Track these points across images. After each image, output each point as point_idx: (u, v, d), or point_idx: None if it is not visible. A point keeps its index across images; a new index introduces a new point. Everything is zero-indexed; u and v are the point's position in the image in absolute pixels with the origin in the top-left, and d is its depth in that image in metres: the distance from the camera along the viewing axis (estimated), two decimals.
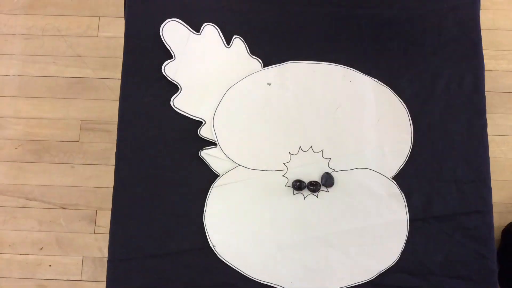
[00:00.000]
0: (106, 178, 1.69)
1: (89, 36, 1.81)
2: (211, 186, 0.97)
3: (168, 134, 0.99)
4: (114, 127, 1.68)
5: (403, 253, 0.95)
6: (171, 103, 0.99)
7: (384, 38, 1.03)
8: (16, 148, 1.73)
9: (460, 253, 0.95)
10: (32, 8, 1.83)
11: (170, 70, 0.99)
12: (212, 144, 0.98)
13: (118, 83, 1.70)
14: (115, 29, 1.81)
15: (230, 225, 0.96)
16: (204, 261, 0.95)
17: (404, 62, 1.02)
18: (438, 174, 0.98)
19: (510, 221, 1.52)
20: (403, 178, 0.97)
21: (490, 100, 1.64)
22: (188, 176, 0.97)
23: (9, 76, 1.77)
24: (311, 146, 0.98)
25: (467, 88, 1.01)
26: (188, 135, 0.99)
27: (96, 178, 1.70)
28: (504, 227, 1.52)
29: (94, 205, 1.68)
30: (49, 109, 1.75)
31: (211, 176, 0.97)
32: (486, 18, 1.73)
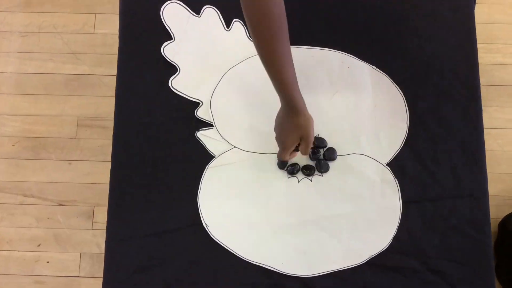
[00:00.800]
0: (103, 174, 1.68)
1: (85, 33, 1.81)
2: (206, 167, 0.97)
3: (165, 115, 1.00)
4: (111, 123, 1.68)
5: (400, 234, 0.95)
6: (169, 84, 0.99)
7: (380, 24, 1.04)
8: (13, 145, 1.73)
9: (455, 237, 0.96)
10: (28, 6, 1.84)
11: (169, 51, 1.00)
12: (209, 125, 0.99)
13: (114, 80, 1.71)
14: (111, 26, 1.82)
15: (224, 205, 0.97)
16: (197, 240, 0.96)
17: (399, 47, 1.03)
18: (433, 158, 0.98)
19: (507, 214, 1.52)
20: (399, 161, 0.98)
21: (486, 93, 1.65)
22: (184, 156, 0.98)
23: (6, 73, 1.78)
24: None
25: (461, 74, 1.02)
26: (185, 116, 0.99)
27: (93, 174, 1.70)
28: (500, 220, 1.52)
29: (91, 201, 1.68)
30: (46, 106, 1.75)
31: (207, 157, 0.98)
32: (481, 12, 1.74)
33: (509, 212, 1.51)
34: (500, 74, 1.71)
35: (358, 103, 1.00)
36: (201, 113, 0.99)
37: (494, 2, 1.76)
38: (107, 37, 1.81)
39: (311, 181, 0.97)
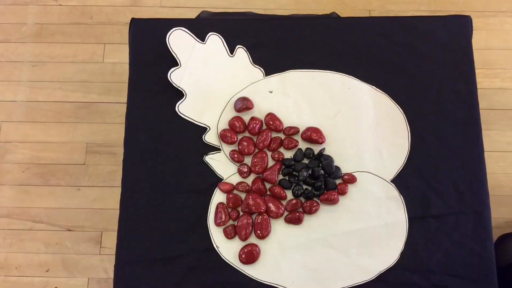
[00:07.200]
0: (111, 200, 1.72)
1: (94, 63, 1.86)
2: (215, 190, 1.00)
3: (174, 140, 1.02)
4: (119, 150, 1.71)
5: (404, 250, 0.97)
6: (176, 109, 1.02)
7: (379, 45, 1.07)
8: (23, 171, 1.76)
9: (459, 252, 0.97)
10: (39, 37, 1.90)
11: (175, 77, 1.02)
12: (217, 149, 1.01)
13: (122, 107, 1.76)
14: (120, 56, 1.87)
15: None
16: (208, 262, 0.97)
17: (398, 68, 1.06)
18: (435, 175, 1.00)
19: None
20: (402, 178, 1.00)
21: (486, 117, 1.69)
22: (193, 179, 1.01)
23: (17, 102, 1.82)
24: (313, 151, 1.01)
25: (460, 93, 1.04)
26: (193, 140, 1.02)
27: (101, 200, 1.72)
28: None
29: (99, 226, 1.71)
30: (55, 133, 1.79)
31: (215, 179, 1.00)
32: (479, 38, 1.79)
33: None
34: (499, 98, 1.75)
35: (360, 122, 1.03)
36: (208, 138, 1.02)
37: (492, 28, 1.81)
38: (115, 66, 1.86)
39: (319, 201, 0.99)
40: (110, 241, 1.69)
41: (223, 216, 0.97)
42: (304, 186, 1.00)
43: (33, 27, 1.91)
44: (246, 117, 1.02)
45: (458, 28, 1.08)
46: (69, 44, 1.89)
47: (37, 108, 1.81)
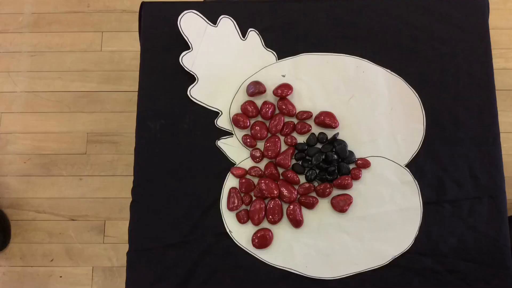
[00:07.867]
0: (113, 188, 1.71)
1: (93, 51, 1.84)
2: (227, 174, 0.99)
3: (185, 124, 1.01)
4: (120, 139, 1.69)
5: (418, 235, 0.96)
6: (188, 93, 1.01)
7: (394, 27, 1.05)
8: (24, 162, 1.75)
9: (473, 238, 0.97)
10: (37, 26, 1.87)
11: (187, 60, 1.01)
12: (229, 134, 1.00)
13: (122, 96, 1.74)
14: (118, 43, 1.85)
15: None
16: (221, 247, 0.97)
17: (414, 51, 1.04)
18: (451, 159, 1.00)
19: None
20: (417, 163, 0.99)
21: None
22: (205, 164, 1.00)
23: (16, 92, 1.80)
24: (326, 135, 1.00)
25: (476, 76, 1.03)
26: (205, 125, 1.01)
27: (104, 189, 1.72)
28: None
29: (102, 215, 1.70)
30: (56, 123, 1.77)
31: (228, 164, 0.99)
32: None
33: None
34: (503, 79, 1.74)
35: (375, 106, 1.02)
36: (220, 122, 1.01)
37: (494, 7, 1.80)
38: (114, 54, 1.84)
39: (332, 185, 0.98)
40: (114, 229, 1.69)
41: (236, 201, 0.97)
42: (317, 171, 0.99)
43: (30, 17, 1.89)
44: (259, 101, 1.01)
45: (475, 11, 1.06)
46: (67, 33, 1.87)
47: (36, 99, 1.80)
